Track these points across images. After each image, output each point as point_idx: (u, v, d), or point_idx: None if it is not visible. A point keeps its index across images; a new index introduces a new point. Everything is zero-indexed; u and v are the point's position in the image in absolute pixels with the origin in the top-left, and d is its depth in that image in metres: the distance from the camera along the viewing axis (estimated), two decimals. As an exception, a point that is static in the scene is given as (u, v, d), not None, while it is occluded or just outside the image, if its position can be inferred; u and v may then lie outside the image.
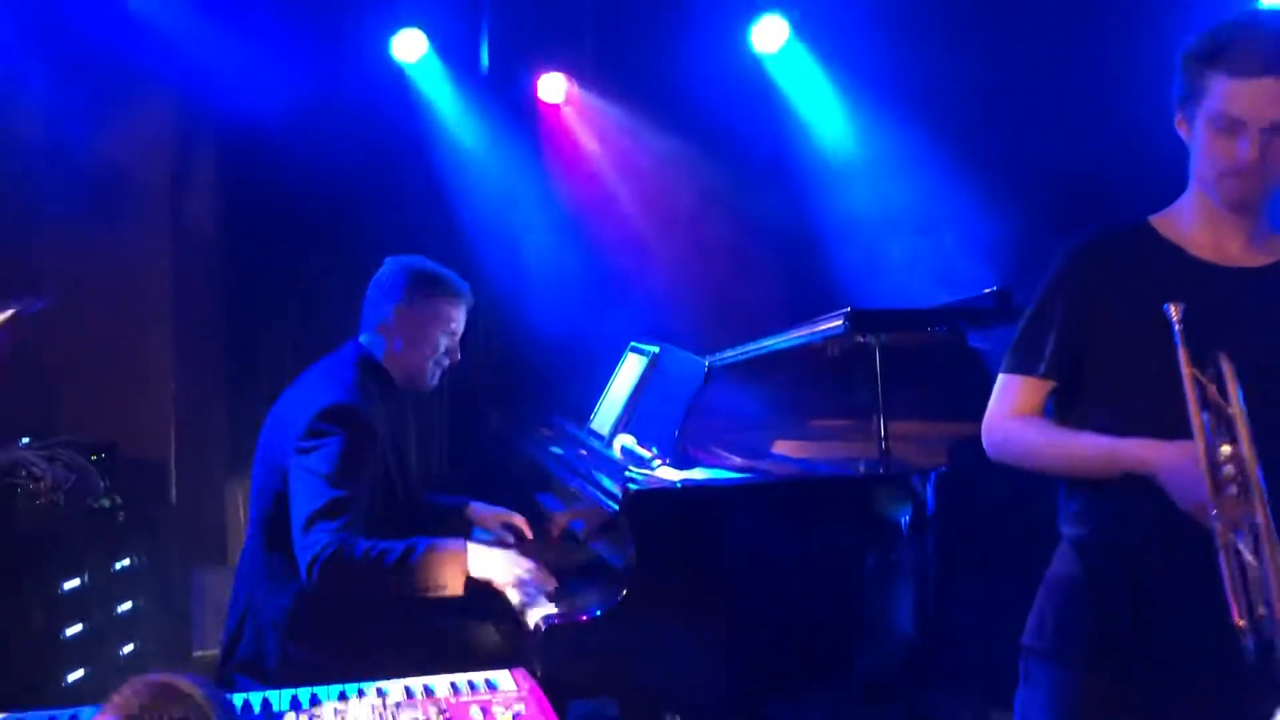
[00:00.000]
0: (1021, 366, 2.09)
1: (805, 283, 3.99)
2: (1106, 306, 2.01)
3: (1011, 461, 2.07)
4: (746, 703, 2.68)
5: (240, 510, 4.62)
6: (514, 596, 2.83)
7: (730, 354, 3.21)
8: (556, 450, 3.52)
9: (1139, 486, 1.89)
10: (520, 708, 2.13)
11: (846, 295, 3.93)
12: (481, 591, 2.83)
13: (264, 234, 4.67)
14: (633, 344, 3.59)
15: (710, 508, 2.72)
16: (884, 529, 2.78)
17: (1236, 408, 1.80)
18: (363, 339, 3.07)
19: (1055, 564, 2.12)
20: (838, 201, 4.67)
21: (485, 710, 2.14)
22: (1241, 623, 1.73)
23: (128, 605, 4.19)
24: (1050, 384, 2.06)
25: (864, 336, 2.85)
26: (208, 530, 4.68)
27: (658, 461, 2.96)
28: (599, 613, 2.60)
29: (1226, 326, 1.90)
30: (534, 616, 2.71)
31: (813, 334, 2.90)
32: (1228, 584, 1.72)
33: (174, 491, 4.53)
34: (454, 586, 2.82)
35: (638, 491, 2.66)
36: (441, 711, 2.13)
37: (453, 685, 2.25)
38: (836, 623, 2.74)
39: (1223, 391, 1.83)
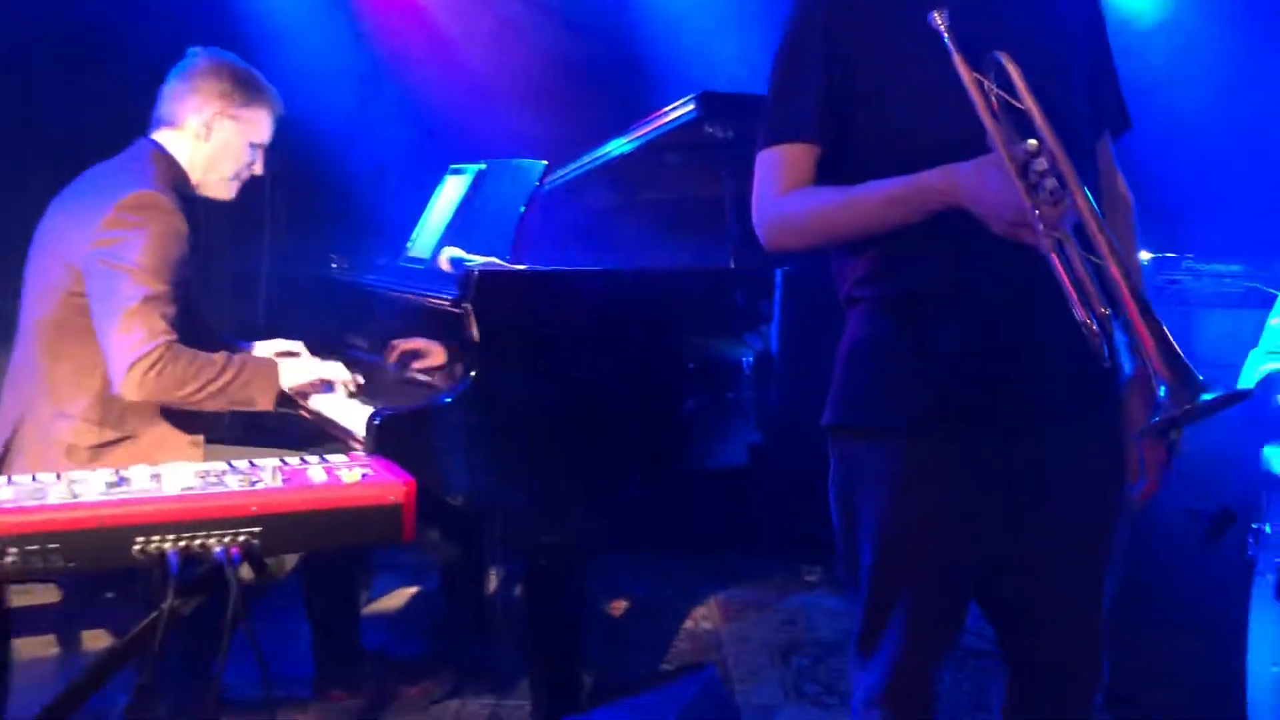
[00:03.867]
0: (785, 134, 1.80)
1: (638, 101, 3.77)
2: (865, 40, 1.76)
3: (796, 242, 1.82)
4: (579, 499, 2.53)
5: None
6: (328, 403, 2.62)
7: (569, 168, 3.01)
8: (371, 278, 3.22)
9: (941, 226, 1.68)
10: (367, 469, 1.90)
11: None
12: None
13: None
14: (452, 166, 3.33)
15: (559, 296, 2.53)
16: (736, 325, 2.67)
17: (1029, 102, 1.63)
18: (160, 136, 2.74)
19: (854, 333, 1.86)
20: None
21: (330, 471, 1.89)
22: (1093, 325, 1.57)
23: None
24: (818, 149, 1.80)
25: (716, 126, 2.70)
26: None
27: (495, 261, 2.73)
28: (450, 397, 2.36)
29: (995, 23, 1.74)
30: (359, 416, 2.46)
31: (659, 127, 2.74)
32: (1068, 289, 1.57)
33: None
34: (265, 402, 2.66)
35: (484, 274, 2.42)
36: (279, 471, 1.86)
37: (283, 460, 1.99)
38: (679, 421, 2.62)
39: (1010, 91, 1.66)
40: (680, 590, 4.18)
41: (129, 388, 2.47)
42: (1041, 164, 1.58)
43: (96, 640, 3.28)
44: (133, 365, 2.44)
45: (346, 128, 3.78)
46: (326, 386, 2.87)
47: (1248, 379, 2.71)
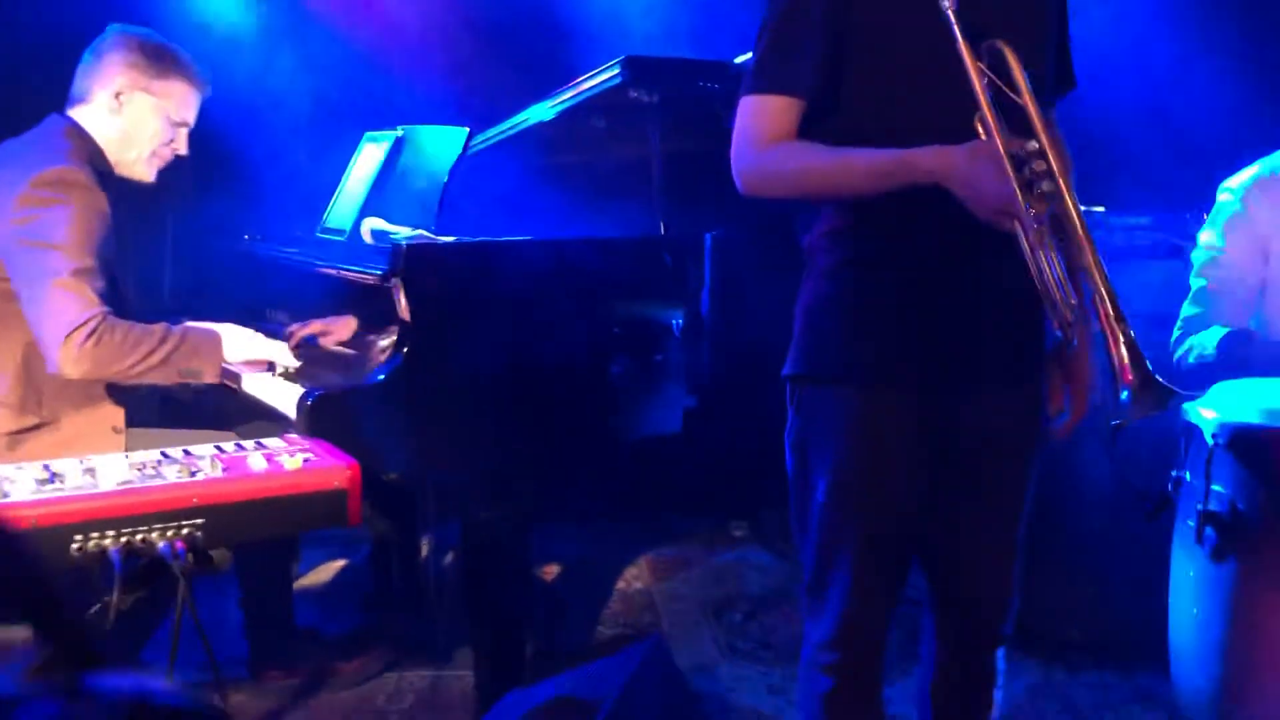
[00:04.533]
0: (777, 85, 1.82)
1: (552, 65, 3.68)
2: (868, 8, 1.80)
3: (774, 193, 1.87)
4: (517, 470, 2.53)
5: None
6: (258, 383, 2.58)
7: (490, 134, 2.96)
8: (291, 250, 3.14)
9: (913, 194, 1.74)
10: (308, 454, 1.86)
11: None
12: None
13: None
14: (368, 134, 3.26)
15: (490, 267, 2.49)
16: (670, 291, 2.68)
17: (1027, 98, 1.71)
18: (73, 113, 2.63)
19: (816, 287, 1.93)
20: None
21: (270, 459, 1.85)
22: (1069, 316, 1.69)
23: None
24: (804, 105, 1.83)
25: (641, 91, 2.68)
26: None
27: (422, 233, 2.69)
28: (384, 373, 2.33)
29: (997, 9, 1.79)
30: (290, 396, 2.42)
31: (584, 92, 2.71)
32: (1049, 282, 1.66)
33: None
34: (210, 373, 2.58)
35: (414, 248, 2.38)
36: (217, 460, 1.82)
37: (217, 447, 1.95)
38: (615, 390, 2.63)
39: (1008, 82, 1.72)
40: (610, 551, 4.21)
41: (66, 362, 2.36)
42: (1041, 165, 1.66)
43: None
44: (68, 337, 2.33)
45: (249, 94, 3.65)
46: (262, 367, 2.80)
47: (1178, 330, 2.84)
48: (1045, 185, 1.66)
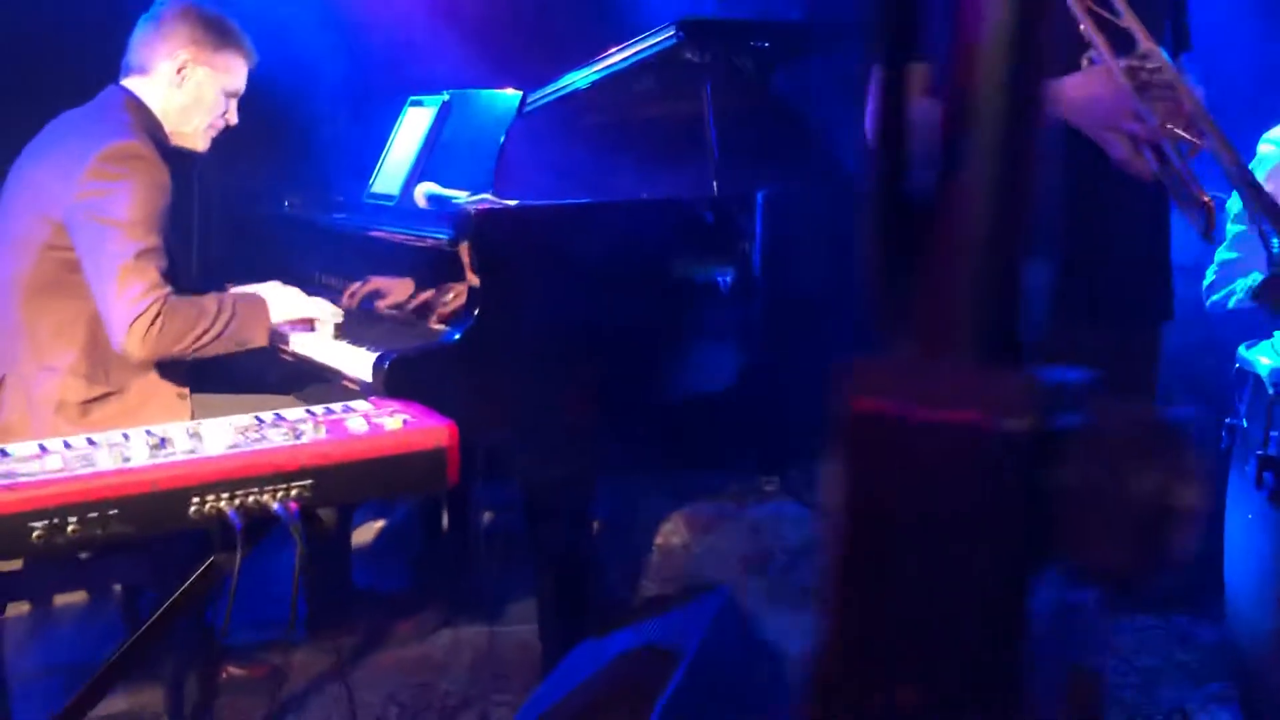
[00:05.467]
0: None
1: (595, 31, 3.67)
2: None
3: None
4: (583, 428, 2.58)
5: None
6: (315, 345, 2.66)
7: (540, 95, 2.98)
8: (340, 216, 3.17)
9: None
10: (406, 415, 1.91)
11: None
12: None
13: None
14: (412, 99, 3.27)
15: (556, 230, 2.54)
16: (724, 249, 2.72)
17: (1130, 17, 1.78)
18: (132, 84, 2.66)
19: None
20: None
21: (368, 419, 1.90)
22: (1208, 204, 1.79)
23: None
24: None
25: (695, 52, 2.71)
26: None
27: (487, 197, 2.72)
28: (458, 334, 2.37)
29: None
30: (353, 358, 2.46)
31: (639, 53, 2.73)
32: (1181, 178, 1.76)
33: None
34: (260, 338, 2.63)
35: (483, 213, 2.41)
36: (319, 423, 1.87)
37: (309, 411, 1.99)
38: (674, 347, 2.68)
39: (1109, 8, 1.79)
40: (644, 509, 4.27)
41: (132, 346, 2.41)
42: (1152, 63, 1.75)
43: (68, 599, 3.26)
44: (133, 322, 2.38)
45: (291, 61, 3.65)
46: (305, 326, 2.85)
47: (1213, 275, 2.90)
48: (1159, 78, 1.75)
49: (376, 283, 3.03)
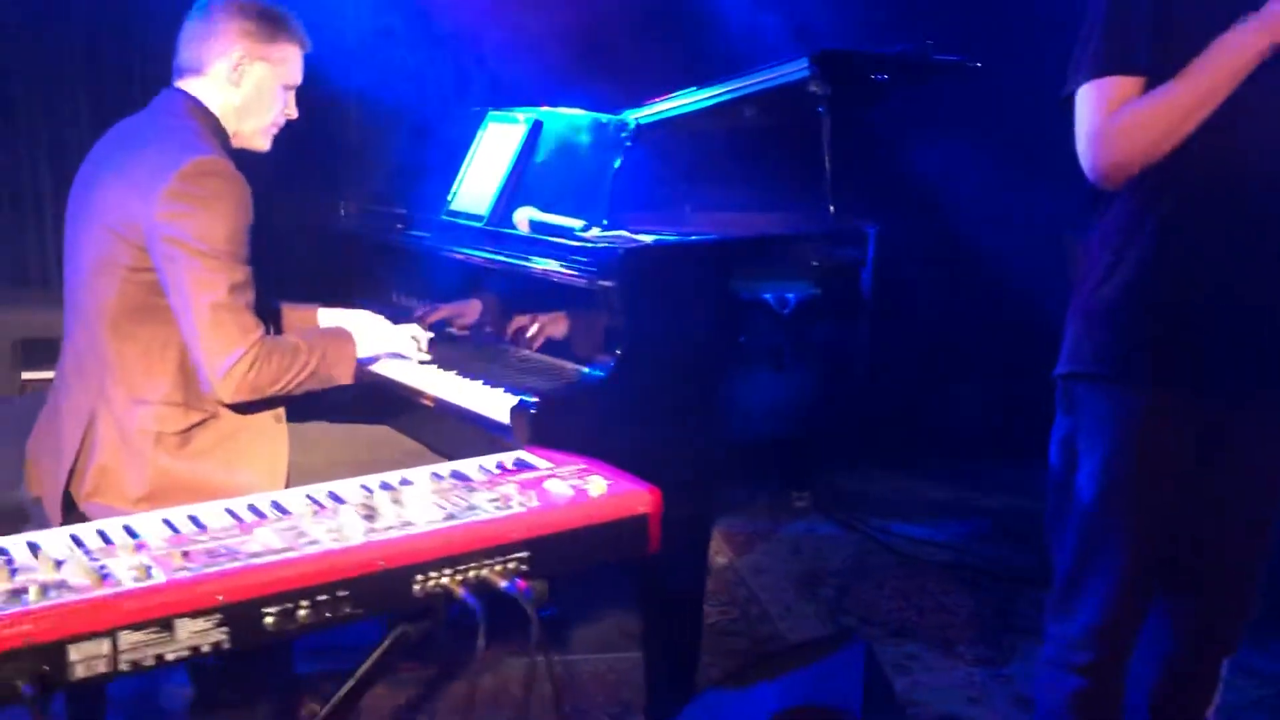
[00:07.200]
0: (1117, 65, 1.90)
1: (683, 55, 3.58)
2: None
3: (1143, 149, 1.88)
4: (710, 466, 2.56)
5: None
6: (425, 378, 2.61)
7: (646, 111, 2.89)
8: (422, 235, 3.04)
9: (1199, 195, 1.88)
10: (604, 478, 1.83)
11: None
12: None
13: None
14: (492, 113, 3.15)
15: (695, 266, 2.47)
16: (846, 283, 2.71)
17: None
18: (187, 85, 2.48)
19: (1096, 287, 2.02)
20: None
21: (572, 485, 1.81)
22: None
23: None
24: (1144, 81, 1.90)
25: (820, 84, 2.65)
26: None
27: (594, 230, 2.63)
28: (603, 374, 2.30)
29: None
30: (488, 397, 2.38)
31: (763, 82, 2.67)
32: None
33: None
34: (345, 377, 2.53)
35: (631, 252, 2.34)
36: (523, 487, 1.78)
37: (481, 468, 1.90)
38: (786, 383, 2.68)
39: None
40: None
41: (224, 392, 2.31)
42: None
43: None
44: (229, 370, 2.27)
45: (349, 70, 3.51)
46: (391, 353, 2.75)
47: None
48: None
49: (457, 306, 2.95)
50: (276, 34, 2.51)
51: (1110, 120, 1.90)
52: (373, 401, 2.81)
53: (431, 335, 2.81)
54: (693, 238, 2.57)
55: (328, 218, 3.42)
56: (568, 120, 2.90)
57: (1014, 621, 3.52)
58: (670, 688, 2.64)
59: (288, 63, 2.54)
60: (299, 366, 2.39)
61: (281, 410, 2.55)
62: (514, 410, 2.29)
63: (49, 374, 3.91)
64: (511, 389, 2.41)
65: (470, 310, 3.02)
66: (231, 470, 2.44)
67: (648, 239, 2.48)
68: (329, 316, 2.87)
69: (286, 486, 2.50)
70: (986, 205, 3.93)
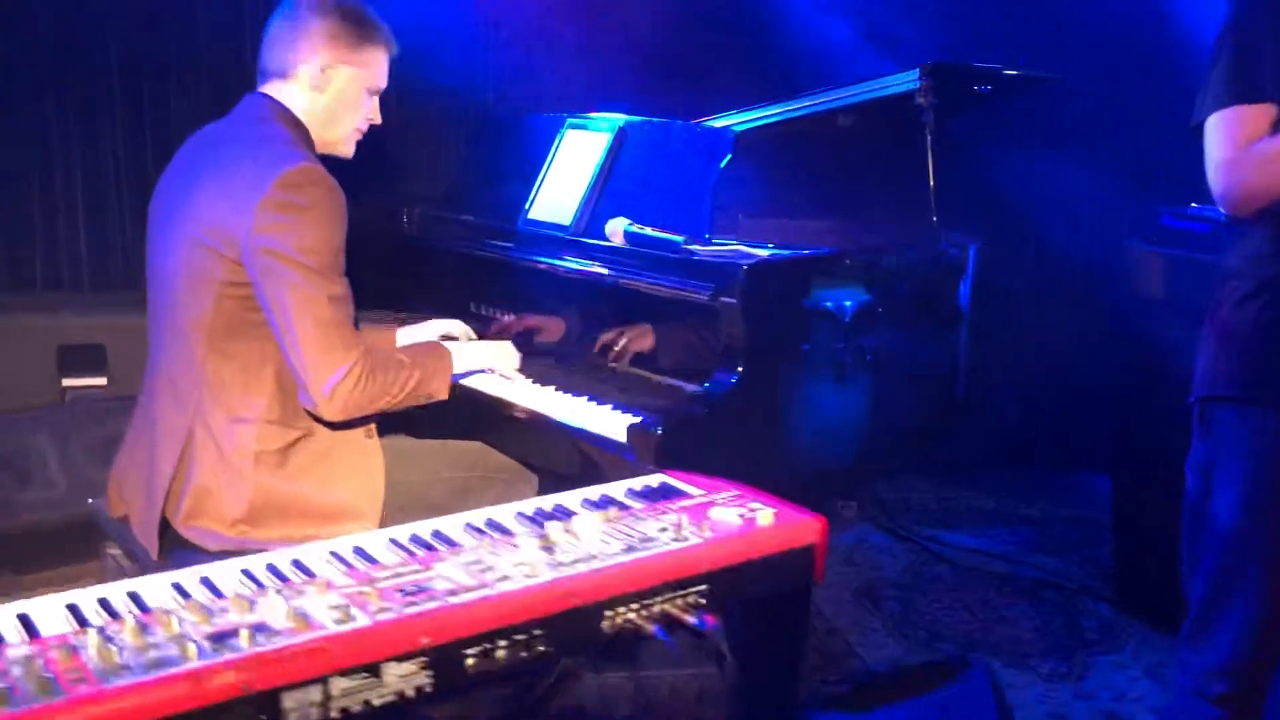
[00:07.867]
0: (1247, 95, 1.90)
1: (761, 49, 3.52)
2: None
3: (1273, 184, 1.89)
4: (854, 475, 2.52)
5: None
6: (530, 395, 2.58)
7: (742, 118, 2.85)
8: (503, 245, 2.97)
9: None
10: (769, 508, 1.78)
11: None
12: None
13: None
14: (570, 120, 3.08)
15: (812, 280, 2.43)
16: (947, 294, 2.69)
17: None
18: (272, 90, 2.41)
19: (1237, 308, 2.01)
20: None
21: (740, 515, 1.76)
22: None
23: None
24: (1273, 109, 1.90)
25: (926, 96, 2.62)
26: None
27: (695, 244, 2.57)
28: (723, 392, 2.26)
29: None
30: (603, 416, 2.32)
31: (870, 92, 2.63)
32: None
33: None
34: (443, 392, 2.48)
35: (754, 269, 2.29)
36: (689, 517, 1.73)
37: (629, 492, 1.85)
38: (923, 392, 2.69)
39: None
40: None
41: (331, 410, 2.25)
42: None
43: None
44: (335, 387, 2.21)
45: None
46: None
47: None
48: None
49: (541, 319, 2.90)
50: (364, 37, 2.44)
51: (1244, 151, 1.89)
52: (459, 415, 2.74)
53: (515, 354, 2.75)
54: (805, 251, 2.51)
55: (391, 224, 3.34)
56: (659, 129, 2.84)
57: (1081, 635, 3.51)
58: (764, 705, 2.59)
59: (373, 66, 2.47)
60: (401, 383, 2.34)
61: (373, 426, 2.49)
62: (633, 429, 2.23)
63: (91, 381, 3.85)
64: (621, 407, 2.36)
65: (553, 323, 2.96)
66: (329, 488, 2.38)
67: (763, 253, 2.43)
68: (408, 335, 2.81)
69: (384, 504, 2.44)
70: (1044, 211, 3.92)
